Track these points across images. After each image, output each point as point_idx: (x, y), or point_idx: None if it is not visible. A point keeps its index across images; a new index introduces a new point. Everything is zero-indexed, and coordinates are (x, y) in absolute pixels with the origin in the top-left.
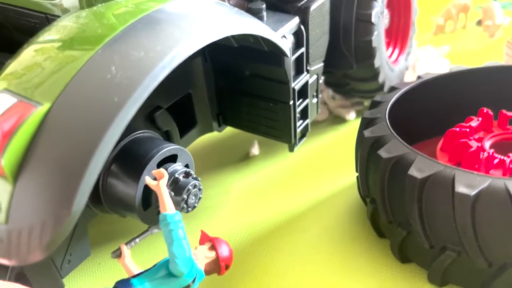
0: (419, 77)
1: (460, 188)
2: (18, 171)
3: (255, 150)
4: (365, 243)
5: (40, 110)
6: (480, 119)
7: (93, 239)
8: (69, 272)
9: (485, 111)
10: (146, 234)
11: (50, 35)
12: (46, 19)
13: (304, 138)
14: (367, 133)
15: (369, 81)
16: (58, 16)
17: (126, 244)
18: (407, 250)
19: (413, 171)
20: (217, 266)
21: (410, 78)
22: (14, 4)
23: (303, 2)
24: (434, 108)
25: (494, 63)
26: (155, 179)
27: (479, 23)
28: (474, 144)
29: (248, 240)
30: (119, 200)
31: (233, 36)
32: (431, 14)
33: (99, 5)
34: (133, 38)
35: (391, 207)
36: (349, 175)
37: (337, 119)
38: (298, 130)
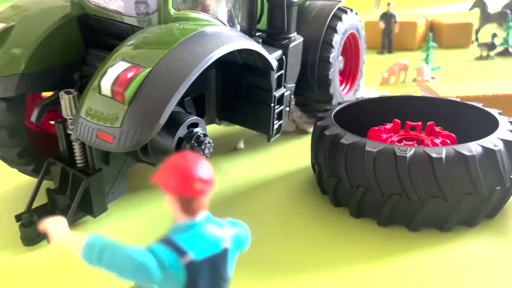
0: (356, 98)
1: (368, 148)
2: (131, 100)
3: (241, 144)
4: (311, 199)
5: (146, 70)
6: (392, 124)
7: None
8: (111, 200)
9: (395, 120)
10: None
11: (144, 35)
12: (132, 29)
13: (278, 134)
14: (318, 123)
15: (325, 103)
16: (141, 28)
17: None
18: (338, 194)
19: (343, 140)
20: (180, 199)
21: None
22: (111, 18)
23: (285, 41)
24: (364, 117)
25: (405, 94)
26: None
27: (414, 80)
28: (384, 136)
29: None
30: (160, 149)
31: (240, 54)
32: (379, 69)
33: (170, 23)
34: (195, 42)
35: (330, 165)
36: (305, 162)
37: (301, 131)
38: (276, 126)
